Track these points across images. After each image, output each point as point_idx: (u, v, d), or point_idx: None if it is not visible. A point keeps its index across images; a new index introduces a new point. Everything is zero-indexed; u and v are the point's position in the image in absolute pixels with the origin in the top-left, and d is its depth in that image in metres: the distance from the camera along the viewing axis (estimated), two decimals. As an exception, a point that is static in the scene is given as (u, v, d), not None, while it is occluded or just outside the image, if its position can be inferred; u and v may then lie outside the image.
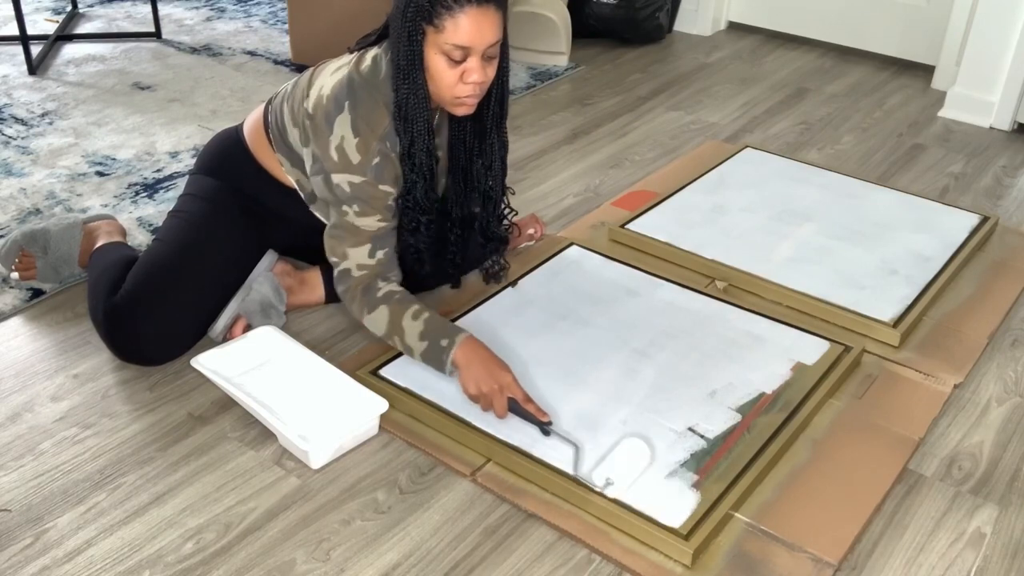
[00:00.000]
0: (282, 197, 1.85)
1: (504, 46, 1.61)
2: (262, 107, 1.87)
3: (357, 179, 1.63)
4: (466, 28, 1.51)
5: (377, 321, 1.66)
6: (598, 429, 1.61)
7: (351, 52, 1.71)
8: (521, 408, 1.59)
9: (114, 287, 1.76)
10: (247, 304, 1.82)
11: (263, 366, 1.72)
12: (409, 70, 1.57)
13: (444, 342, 1.61)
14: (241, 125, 1.91)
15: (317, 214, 1.83)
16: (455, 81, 1.56)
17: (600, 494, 1.47)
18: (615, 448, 1.56)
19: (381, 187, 1.64)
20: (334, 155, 1.63)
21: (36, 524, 1.45)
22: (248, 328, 1.81)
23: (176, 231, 1.81)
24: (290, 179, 1.82)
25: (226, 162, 1.88)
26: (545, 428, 1.58)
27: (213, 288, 1.80)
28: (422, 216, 1.71)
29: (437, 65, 1.55)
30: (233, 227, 1.83)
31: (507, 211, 1.88)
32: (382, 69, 1.63)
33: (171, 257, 1.77)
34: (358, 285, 1.67)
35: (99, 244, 1.95)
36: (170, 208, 1.92)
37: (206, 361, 1.69)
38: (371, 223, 1.65)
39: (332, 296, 1.93)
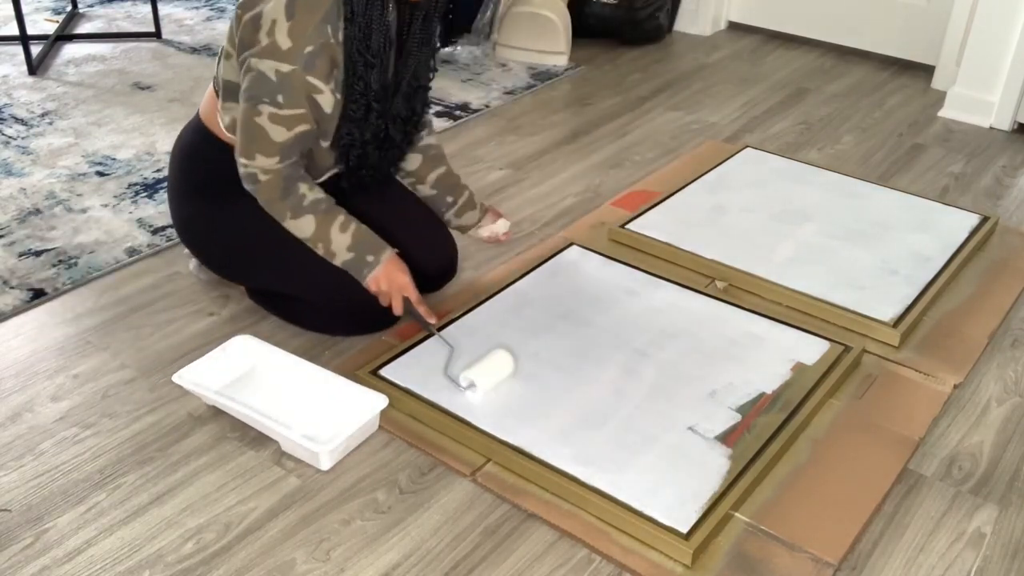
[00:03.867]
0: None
1: None
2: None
3: (285, 67, 1.57)
4: None
5: (301, 227, 1.70)
6: (599, 429, 1.61)
7: None
8: (414, 308, 1.76)
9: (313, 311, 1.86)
10: None
11: (249, 374, 1.71)
12: None
13: (370, 258, 1.71)
14: (196, 114, 1.87)
15: (221, 114, 1.75)
16: None
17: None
18: (484, 356, 1.71)
19: (309, 78, 1.59)
20: (263, 39, 1.56)
21: (36, 524, 1.45)
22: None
23: (256, 243, 1.79)
24: (222, 120, 1.75)
25: (198, 157, 1.84)
26: (429, 328, 1.78)
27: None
28: (375, 103, 1.69)
29: None
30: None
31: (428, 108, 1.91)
32: None
33: (284, 250, 1.76)
34: (272, 188, 1.67)
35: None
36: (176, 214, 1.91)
37: (188, 375, 1.66)
38: (282, 132, 1.62)
39: None
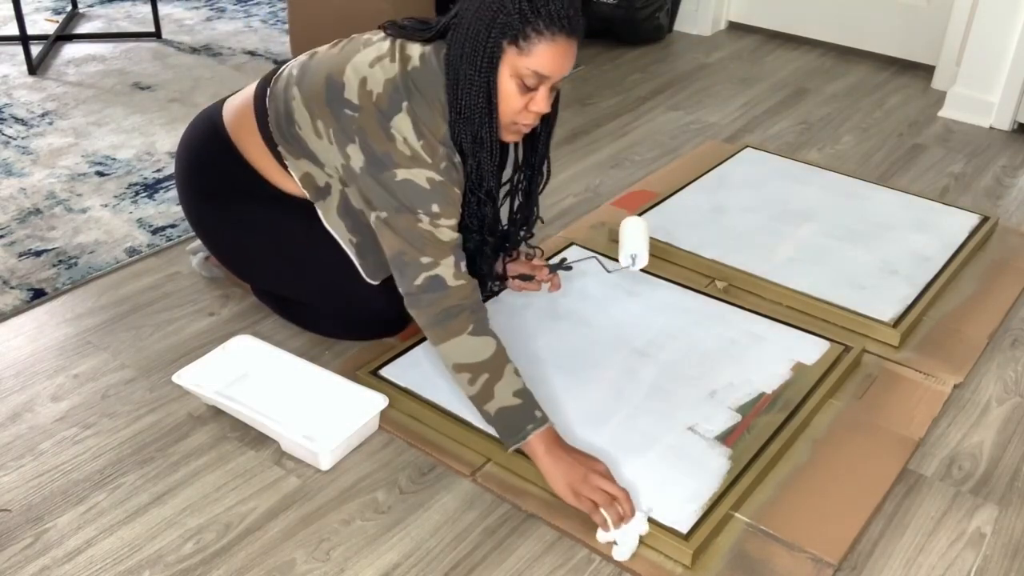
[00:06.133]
0: (268, 200, 1.72)
1: None
2: (250, 93, 1.71)
3: (437, 177, 1.49)
4: (551, 57, 1.43)
5: (479, 349, 1.47)
6: (598, 429, 1.61)
7: (386, 32, 1.57)
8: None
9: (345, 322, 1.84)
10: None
11: (248, 374, 1.71)
12: (483, 88, 1.45)
13: (538, 413, 1.46)
14: (218, 113, 1.75)
15: (322, 215, 1.67)
16: (521, 107, 1.47)
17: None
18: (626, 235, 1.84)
19: (455, 189, 1.53)
20: (404, 150, 1.48)
21: (36, 524, 1.45)
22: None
23: (276, 258, 1.77)
24: (292, 174, 1.65)
25: (214, 166, 1.75)
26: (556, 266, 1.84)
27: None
28: (490, 237, 1.64)
29: (507, 89, 1.46)
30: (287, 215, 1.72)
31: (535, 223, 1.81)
32: (433, 70, 1.50)
33: (310, 267, 1.74)
34: (467, 293, 1.50)
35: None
36: (178, 218, 1.91)
37: (188, 375, 1.66)
38: (448, 233, 1.51)
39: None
